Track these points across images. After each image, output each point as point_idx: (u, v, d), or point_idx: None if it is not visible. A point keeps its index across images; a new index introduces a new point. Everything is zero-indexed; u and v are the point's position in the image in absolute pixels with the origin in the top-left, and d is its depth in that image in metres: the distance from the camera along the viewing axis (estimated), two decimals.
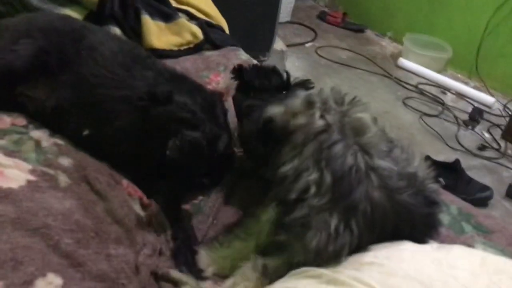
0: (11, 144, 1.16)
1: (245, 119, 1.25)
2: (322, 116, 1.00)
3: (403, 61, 3.73)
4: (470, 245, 1.19)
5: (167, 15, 1.89)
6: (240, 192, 1.37)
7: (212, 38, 1.94)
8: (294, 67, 3.50)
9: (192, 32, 1.89)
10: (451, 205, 1.34)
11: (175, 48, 1.85)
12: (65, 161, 1.17)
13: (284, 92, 1.27)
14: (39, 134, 1.23)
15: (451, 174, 2.48)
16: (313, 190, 0.95)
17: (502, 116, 3.27)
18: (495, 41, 3.46)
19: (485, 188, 2.48)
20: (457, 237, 1.23)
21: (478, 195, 2.44)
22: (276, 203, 1.08)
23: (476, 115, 3.16)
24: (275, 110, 1.08)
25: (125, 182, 1.23)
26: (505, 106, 3.37)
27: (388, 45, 4.15)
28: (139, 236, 1.13)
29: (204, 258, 1.17)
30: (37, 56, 1.23)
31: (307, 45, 3.95)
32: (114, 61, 1.28)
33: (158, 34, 1.82)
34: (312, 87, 1.28)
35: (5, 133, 1.19)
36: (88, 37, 1.31)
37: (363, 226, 0.95)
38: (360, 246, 0.97)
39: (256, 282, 1.03)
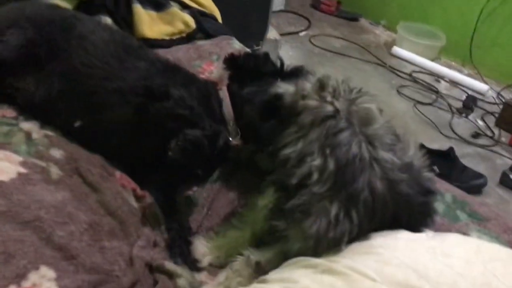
0: (1, 136, 1.15)
1: (247, 105, 1.24)
2: (331, 102, 0.99)
3: (397, 50, 3.73)
4: (465, 233, 1.19)
5: (158, 4, 1.88)
6: (236, 182, 1.36)
7: (204, 27, 1.93)
8: (288, 56, 3.48)
9: (184, 21, 1.88)
10: (446, 193, 1.34)
11: (167, 38, 1.84)
12: (57, 153, 1.16)
13: (279, 79, 1.26)
14: (29, 125, 1.22)
15: (445, 162, 2.48)
16: (315, 176, 0.94)
17: (495, 103, 3.27)
18: (489, 29, 3.45)
19: (479, 175, 2.49)
20: (452, 225, 1.23)
21: (472, 183, 2.45)
22: (275, 189, 1.08)
23: (470, 103, 3.16)
24: (284, 88, 1.06)
25: (118, 173, 1.22)
26: (498, 93, 3.38)
27: (382, 34, 4.14)
28: (133, 228, 1.12)
29: (199, 248, 1.17)
30: (25, 46, 1.21)
31: (300, 34, 3.93)
32: (105, 51, 1.26)
33: (149, 24, 1.81)
34: (307, 73, 1.27)
35: None
36: (78, 26, 1.29)
37: (363, 215, 0.94)
38: (359, 235, 0.96)
39: (249, 278, 1.02)
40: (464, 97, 3.26)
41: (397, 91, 3.28)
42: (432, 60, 3.66)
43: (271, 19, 3.12)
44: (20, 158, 1.09)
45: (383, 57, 3.70)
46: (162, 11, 1.87)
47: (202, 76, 1.60)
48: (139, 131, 1.22)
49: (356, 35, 4.04)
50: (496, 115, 3.11)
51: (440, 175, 2.17)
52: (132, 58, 1.28)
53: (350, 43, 3.87)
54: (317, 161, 0.94)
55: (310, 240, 0.95)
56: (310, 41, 3.80)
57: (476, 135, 2.93)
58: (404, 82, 3.41)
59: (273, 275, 0.95)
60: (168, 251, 1.16)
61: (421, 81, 3.42)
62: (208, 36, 1.92)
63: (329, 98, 1.00)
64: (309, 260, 0.94)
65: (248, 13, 2.83)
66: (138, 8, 1.79)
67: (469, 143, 2.87)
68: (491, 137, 2.94)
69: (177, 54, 1.72)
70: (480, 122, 3.09)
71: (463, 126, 3.03)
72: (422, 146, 2.48)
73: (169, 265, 1.08)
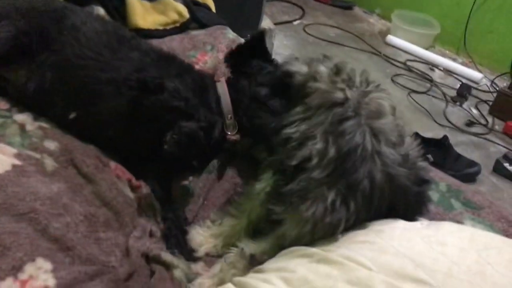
0: None
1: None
2: (342, 88, 0.98)
3: (392, 38, 3.72)
4: (459, 221, 1.20)
5: None
6: (232, 172, 1.36)
7: (198, 17, 1.91)
8: (282, 45, 3.46)
9: (178, 11, 1.86)
10: (440, 182, 1.35)
11: (161, 28, 1.82)
12: (51, 145, 1.16)
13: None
14: (23, 117, 1.21)
15: (439, 150, 2.49)
16: (315, 160, 0.94)
17: (489, 92, 3.28)
18: (483, 17, 3.45)
19: (473, 163, 2.50)
20: (446, 214, 1.24)
21: (466, 171, 2.46)
22: (273, 172, 1.07)
23: (464, 91, 3.17)
24: (298, 67, 1.05)
25: (113, 164, 1.22)
26: (492, 81, 3.39)
27: (376, 22, 4.13)
28: (128, 219, 1.12)
29: (196, 237, 1.17)
30: (16, 38, 1.20)
31: (295, 23, 3.92)
32: (98, 42, 1.24)
33: (143, 14, 1.79)
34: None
35: None
36: (70, 17, 1.28)
37: (361, 204, 0.95)
38: (356, 223, 0.97)
39: (243, 270, 1.03)
40: (458, 85, 3.27)
41: (392, 80, 3.28)
42: (427, 48, 3.67)
43: (265, 8, 3.10)
44: (14, 150, 1.08)
45: (378, 46, 3.69)
46: (155, 1, 1.85)
47: (196, 66, 1.59)
48: (134, 123, 1.21)
49: (351, 24, 4.02)
50: (490, 103, 3.12)
51: (434, 164, 2.20)
52: (125, 49, 1.27)
53: (344, 32, 3.86)
54: (318, 146, 0.94)
55: (307, 224, 0.95)
56: (304, 30, 3.79)
57: (470, 124, 2.94)
58: (398, 71, 3.41)
59: (269, 264, 0.95)
60: (165, 241, 1.16)
61: (415, 70, 3.42)
62: (202, 25, 1.90)
63: (341, 85, 0.99)
64: (305, 250, 0.94)
65: (242, 2, 2.81)
66: None
67: (463, 131, 2.88)
68: (485, 125, 2.96)
69: (171, 44, 1.70)
70: (474, 111, 3.10)
71: (457, 114, 3.04)
72: (416, 135, 2.50)
73: (166, 255, 1.08)
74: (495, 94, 3.14)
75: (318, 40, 3.69)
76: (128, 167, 1.25)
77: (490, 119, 3.02)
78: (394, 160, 0.97)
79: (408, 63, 3.49)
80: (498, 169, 2.57)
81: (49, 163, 1.11)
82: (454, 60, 3.62)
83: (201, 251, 1.16)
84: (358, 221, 0.97)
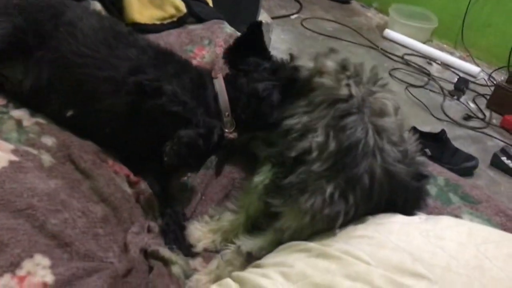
0: None
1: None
2: (348, 85, 0.98)
3: (389, 32, 3.71)
4: (457, 215, 1.20)
5: None
6: (230, 167, 1.36)
7: (195, 11, 1.90)
8: (280, 39, 3.46)
9: (175, 5, 1.85)
10: (439, 176, 1.35)
11: (158, 22, 1.81)
12: (48, 140, 1.15)
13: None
14: (19, 113, 1.20)
15: (437, 144, 2.50)
16: (315, 153, 0.94)
17: (487, 85, 3.28)
18: (480, 10, 3.45)
19: (471, 157, 2.51)
20: (444, 208, 1.24)
21: (463, 165, 2.47)
22: (272, 166, 1.07)
23: (462, 85, 3.17)
24: (304, 62, 1.04)
25: (110, 160, 1.21)
26: (490, 75, 3.39)
27: (374, 16, 4.12)
28: (126, 214, 1.12)
29: (194, 233, 1.17)
30: (13, 34, 1.19)
31: (292, 17, 3.90)
32: (95, 39, 1.23)
33: (140, 8, 1.78)
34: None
35: None
36: (66, 13, 1.27)
37: (360, 198, 0.95)
38: (355, 217, 0.97)
39: (240, 267, 1.03)
40: (455, 79, 3.27)
41: (390, 74, 3.27)
42: (424, 42, 3.66)
43: (262, 2, 3.09)
44: (11, 146, 1.08)
45: (375, 40, 3.69)
46: None
47: (194, 61, 1.59)
48: (132, 122, 1.21)
49: (348, 18, 4.01)
50: (488, 97, 3.13)
51: (431, 158, 2.20)
52: (123, 46, 1.25)
53: (342, 26, 3.85)
54: (319, 139, 0.94)
55: (306, 216, 0.95)
56: (302, 24, 3.78)
57: (467, 118, 2.95)
58: (396, 65, 3.41)
59: (267, 259, 0.95)
60: (163, 237, 1.16)
61: (413, 64, 3.42)
62: (199, 20, 1.89)
63: (346, 81, 0.99)
64: (304, 244, 0.94)
65: None
66: None
67: (460, 125, 2.89)
68: (483, 119, 2.96)
69: (168, 39, 1.70)
70: (472, 105, 3.10)
71: (454, 108, 3.05)
72: (414, 129, 2.51)
73: (164, 251, 1.08)
74: (492, 88, 3.15)
75: (315, 34, 3.68)
76: (126, 163, 1.25)
77: (487, 113, 3.02)
78: (395, 157, 0.97)
79: (406, 57, 3.49)
80: (496, 163, 2.57)
81: (47, 159, 1.11)
82: (451, 54, 3.62)
83: (199, 247, 1.16)
84: (357, 215, 0.97)
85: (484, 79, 3.36)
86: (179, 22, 1.85)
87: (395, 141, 0.98)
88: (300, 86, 1.03)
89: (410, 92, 3.08)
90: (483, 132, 2.85)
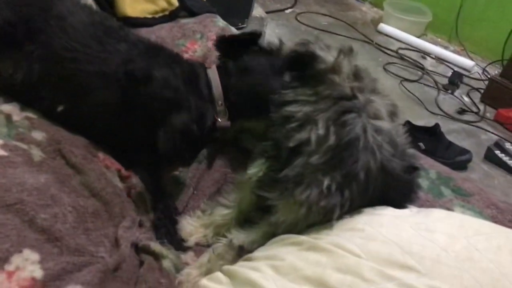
0: None
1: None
2: (354, 88, 0.98)
3: (384, 26, 3.71)
4: (449, 208, 1.21)
5: None
6: (222, 161, 1.36)
7: (188, 5, 1.89)
8: (274, 34, 3.44)
9: None
10: (430, 169, 1.35)
11: (150, 16, 1.80)
12: (38, 135, 1.15)
13: None
14: (9, 107, 1.19)
15: (431, 138, 2.50)
16: (313, 146, 0.94)
17: (481, 79, 3.29)
18: (474, 4, 3.45)
19: (465, 151, 2.51)
20: (436, 201, 1.24)
21: (457, 159, 2.47)
22: (265, 159, 1.07)
23: (456, 79, 3.17)
24: (324, 54, 1.03)
25: (101, 154, 1.21)
26: (484, 69, 3.39)
27: (368, 11, 4.11)
28: (117, 209, 1.11)
29: (186, 227, 1.17)
30: (1, 28, 1.18)
31: (287, 11, 3.89)
32: (85, 34, 1.23)
33: (131, 2, 1.77)
34: None
35: None
36: (56, 6, 1.26)
37: (356, 193, 0.95)
38: (349, 210, 0.97)
39: (232, 261, 1.03)
40: (450, 73, 3.27)
41: (384, 68, 3.27)
42: (419, 36, 3.66)
43: None
44: (1, 141, 1.07)
45: (370, 34, 3.68)
46: None
47: (186, 55, 1.58)
48: (124, 115, 1.20)
49: (343, 12, 4.01)
50: (482, 91, 3.13)
51: (425, 152, 2.21)
52: (113, 40, 1.25)
53: (336, 20, 3.84)
54: (319, 131, 0.94)
55: (301, 208, 0.95)
56: (297, 19, 3.77)
57: (461, 111, 2.95)
58: (390, 59, 3.40)
59: (258, 252, 0.95)
60: (154, 231, 1.16)
61: (407, 58, 3.42)
62: (191, 14, 1.88)
63: (354, 84, 0.99)
64: (295, 238, 0.94)
65: None
66: None
67: (454, 119, 2.89)
68: (477, 113, 2.96)
69: (160, 33, 1.69)
70: (466, 98, 3.10)
71: (448, 102, 3.05)
72: (408, 123, 2.51)
73: (155, 246, 1.08)
74: (486, 82, 3.15)
75: (310, 29, 3.67)
76: (118, 158, 1.24)
77: (481, 107, 3.03)
78: (390, 152, 0.97)
79: (400, 51, 3.48)
80: (489, 157, 2.58)
81: (37, 154, 1.10)
82: (446, 48, 3.62)
83: (191, 241, 1.15)
84: (352, 208, 0.97)
85: (478, 73, 3.36)
86: (171, 16, 1.84)
87: (389, 140, 0.98)
88: (310, 75, 1.02)
89: (404, 87, 3.08)
90: (477, 126, 2.86)
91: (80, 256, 0.96)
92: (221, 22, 1.83)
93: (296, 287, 0.80)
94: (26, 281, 0.86)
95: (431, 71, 3.31)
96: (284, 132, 0.98)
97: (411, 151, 1.06)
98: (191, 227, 1.17)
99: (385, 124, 0.99)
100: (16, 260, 0.87)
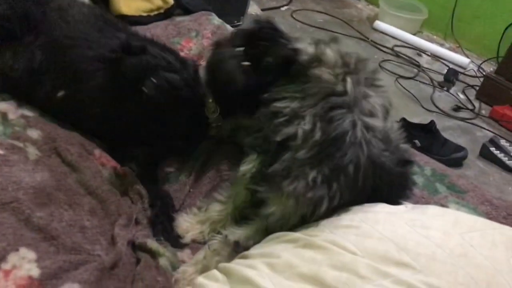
0: None
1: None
2: (344, 81, 0.98)
3: (379, 24, 3.71)
4: (444, 205, 1.21)
5: None
6: (217, 159, 1.36)
7: (183, 3, 1.89)
8: None
9: None
10: (426, 166, 1.36)
11: (145, 14, 1.80)
12: (34, 133, 1.15)
13: None
14: (5, 106, 1.19)
15: (426, 135, 2.50)
16: (299, 140, 0.94)
17: (476, 76, 3.29)
18: (470, 2, 3.45)
19: (460, 148, 2.52)
20: (431, 198, 1.25)
21: (453, 156, 2.48)
22: (257, 155, 1.07)
23: (451, 77, 3.17)
24: (304, 45, 1.03)
25: (97, 152, 1.21)
26: (479, 66, 3.40)
27: (364, 8, 4.11)
28: (113, 207, 1.12)
29: (182, 224, 1.17)
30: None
31: (282, 8, 3.89)
32: (86, 23, 1.28)
33: (126, 0, 1.77)
34: None
35: None
36: (55, 0, 1.30)
37: (345, 186, 0.95)
38: (340, 203, 0.97)
39: (228, 257, 1.03)
40: (445, 70, 3.27)
41: (380, 65, 3.27)
42: (414, 34, 3.66)
43: None
44: None
45: (366, 31, 3.68)
46: None
47: (181, 53, 1.58)
48: (118, 93, 1.22)
49: (338, 9, 4.00)
50: (477, 88, 3.14)
51: (421, 149, 2.21)
52: (112, 29, 1.30)
53: (332, 17, 3.84)
54: (306, 127, 0.94)
55: (289, 199, 0.96)
56: (292, 16, 3.77)
57: (457, 108, 2.96)
58: (386, 56, 3.41)
59: (254, 250, 0.96)
60: (151, 229, 1.16)
61: (403, 55, 3.42)
62: (186, 12, 1.88)
63: (342, 77, 0.98)
64: (290, 235, 0.94)
65: None
66: None
67: (450, 116, 2.90)
68: (472, 110, 2.97)
69: (155, 31, 1.69)
70: (461, 96, 3.11)
71: (444, 99, 3.06)
72: (403, 120, 2.51)
73: (152, 243, 1.08)
74: (482, 79, 3.15)
75: (306, 26, 3.67)
76: (113, 155, 1.24)
77: (477, 104, 3.03)
78: (380, 148, 0.97)
79: (396, 48, 3.49)
80: (485, 154, 2.59)
81: (32, 152, 1.10)
82: (441, 45, 3.62)
83: (187, 238, 1.16)
84: (343, 201, 0.97)
85: (474, 70, 3.37)
86: (166, 14, 1.84)
87: (382, 136, 0.99)
88: (296, 70, 1.02)
89: (400, 84, 3.09)
90: (472, 123, 2.87)
91: (76, 255, 0.96)
92: (216, 20, 1.83)
93: (292, 285, 0.80)
94: (23, 280, 0.86)
95: (426, 68, 3.32)
96: (272, 127, 0.99)
97: (405, 146, 1.07)
98: (188, 223, 1.18)
99: (378, 121, 0.99)
100: (12, 259, 0.87)
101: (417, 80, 3.18)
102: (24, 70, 1.22)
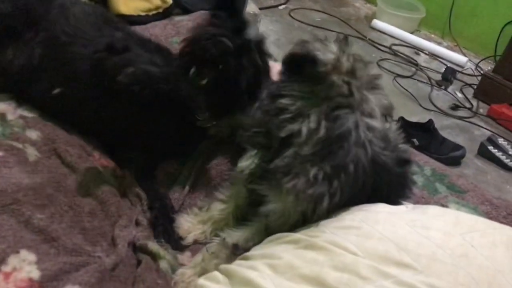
0: None
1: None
2: (349, 84, 0.98)
3: (377, 22, 3.71)
4: (444, 205, 1.22)
5: None
6: (217, 159, 1.35)
7: (181, 3, 1.89)
8: (268, 30, 3.44)
9: None
10: (425, 166, 1.36)
11: (143, 14, 1.80)
12: (33, 134, 1.14)
13: None
14: (4, 106, 1.19)
15: (424, 134, 2.51)
16: (303, 137, 0.94)
17: (474, 75, 3.30)
18: (467, 0, 3.45)
19: (458, 147, 2.52)
20: (431, 198, 1.25)
21: (451, 154, 2.48)
22: (258, 148, 1.07)
23: (449, 75, 3.18)
24: (325, 57, 1.02)
25: (96, 153, 1.21)
26: (477, 65, 3.41)
27: (362, 6, 4.11)
28: (113, 208, 1.11)
29: (184, 225, 1.17)
30: (1, 21, 1.20)
31: (280, 7, 3.88)
32: (86, 22, 1.28)
33: (125, 0, 1.76)
34: None
35: None
36: None
37: (345, 184, 0.95)
38: (341, 202, 0.97)
39: (226, 260, 1.03)
40: (443, 69, 3.28)
41: (377, 64, 3.27)
42: (412, 32, 3.66)
43: None
44: None
45: (363, 30, 3.68)
46: None
47: None
48: (105, 94, 1.20)
49: (336, 8, 4.00)
50: (475, 86, 3.14)
51: (419, 147, 2.21)
52: (110, 28, 1.31)
53: (330, 16, 3.84)
54: (310, 125, 0.94)
55: (289, 196, 0.96)
56: (290, 15, 3.76)
57: (455, 107, 2.96)
58: (384, 55, 3.41)
59: (255, 251, 0.95)
60: (152, 230, 1.16)
61: (400, 54, 3.42)
62: (185, 11, 1.88)
63: (352, 81, 0.99)
64: (291, 236, 0.94)
65: None
66: None
67: (448, 115, 2.90)
68: (470, 109, 2.98)
69: (154, 31, 1.68)
70: (459, 94, 3.12)
71: (442, 98, 3.06)
72: (402, 119, 2.51)
73: (152, 245, 1.07)
74: (479, 78, 3.16)
75: (304, 25, 3.66)
76: (113, 157, 1.24)
77: (474, 103, 3.04)
78: (381, 147, 0.97)
79: (394, 47, 3.49)
80: (483, 152, 2.59)
81: (32, 153, 1.10)
82: (439, 44, 3.63)
83: (189, 238, 1.15)
84: (344, 199, 0.97)
85: (471, 69, 3.37)
86: (165, 14, 1.83)
87: (381, 136, 0.99)
88: (310, 74, 1.02)
89: (398, 83, 3.09)
90: (470, 122, 2.87)
91: (77, 256, 0.96)
92: None
93: (293, 286, 0.80)
94: (23, 282, 0.86)
95: (424, 67, 3.32)
96: (276, 123, 0.99)
97: (404, 146, 1.07)
98: (189, 224, 1.17)
99: (378, 122, 0.99)
100: (13, 261, 0.87)
101: (415, 79, 3.18)
102: (24, 66, 1.23)
